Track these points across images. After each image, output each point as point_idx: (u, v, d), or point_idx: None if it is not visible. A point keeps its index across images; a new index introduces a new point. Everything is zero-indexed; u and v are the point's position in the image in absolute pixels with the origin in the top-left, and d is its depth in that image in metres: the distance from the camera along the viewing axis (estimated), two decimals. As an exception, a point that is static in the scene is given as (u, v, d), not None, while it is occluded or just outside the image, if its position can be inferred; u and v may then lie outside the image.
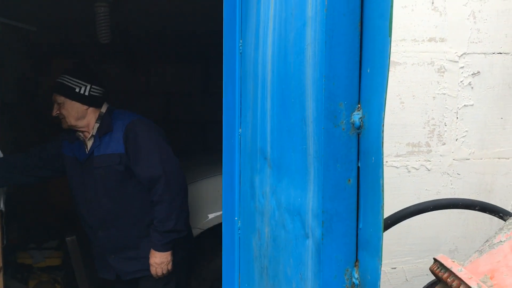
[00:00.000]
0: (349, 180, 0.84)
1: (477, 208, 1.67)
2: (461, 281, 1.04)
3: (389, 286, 2.25)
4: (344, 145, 0.84)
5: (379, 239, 0.75)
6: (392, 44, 2.14)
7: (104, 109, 2.53)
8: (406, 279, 2.26)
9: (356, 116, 0.83)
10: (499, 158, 2.30)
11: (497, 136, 2.28)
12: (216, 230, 2.98)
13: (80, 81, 2.46)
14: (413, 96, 2.19)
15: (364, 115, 0.82)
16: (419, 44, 2.18)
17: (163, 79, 5.87)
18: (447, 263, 1.13)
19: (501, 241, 1.13)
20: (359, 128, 0.83)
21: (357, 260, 0.84)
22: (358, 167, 0.84)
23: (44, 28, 3.70)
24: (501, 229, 1.22)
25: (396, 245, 2.24)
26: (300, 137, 1.11)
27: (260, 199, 1.47)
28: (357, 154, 0.84)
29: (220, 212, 3.00)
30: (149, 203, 2.44)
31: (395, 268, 2.25)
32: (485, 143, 2.28)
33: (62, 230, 4.09)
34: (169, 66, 5.77)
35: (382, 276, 2.26)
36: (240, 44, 1.77)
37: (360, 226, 0.83)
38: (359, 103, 0.83)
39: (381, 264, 0.75)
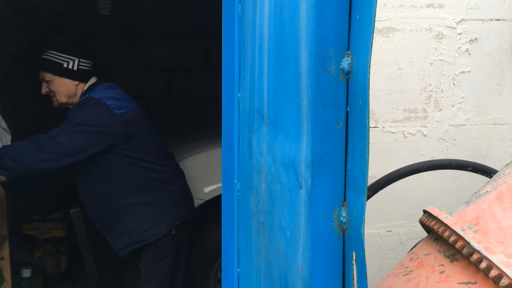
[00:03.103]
0: (338, 124, 0.88)
1: (469, 168, 1.72)
2: (446, 227, 1.09)
3: (384, 248, 2.31)
4: (333, 90, 0.88)
5: (365, 177, 0.79)
6: (391, 10, 2.17)
7: (87, 85, 2.42)
8: (401, 242, 2.32)
9: (345, 62, 0.86)
10: (494, 124, 2.33)
11: (493, 102, 2.31)
12: (215, 202, 3.01)
13: (67, 56, 2.36)
14: (411, 62, 2.21)
15: (353, 61, 0.85)
16: (417, 10, 2.20)
17: (165, 55, 5.87)
18: (435, 212, 1.17)
19: (487, 191, 1.17)
20: (348, 73, 0.86)
21: (345, 200, 0.89)
22: (347, 112, 0.88)
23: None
24: (488, 182, 1.26)
25: (392, 209, 2.29)
26: (294, 91, 1.14)
27: (257, 157, 1.51)
28: (346, 99, 0.88)
29: (216, 185, 3.07)
30: (120, 180, 2.40)
31: (390, 231, 2.31)
32: (481, 109, 2.31)
33: (66, 202, 4.16)
34: (171, 42, 5.76)
35: (377, 239, 2.33)
36: (239, 9, 1.79)
37: (348, 167, 0.87)
38: (348, 49, 0.87)
39: (366, 201, 0.79)
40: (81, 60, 2.38)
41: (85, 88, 2.42)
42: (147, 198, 2.46)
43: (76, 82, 2.39)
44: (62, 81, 2.37)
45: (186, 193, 2.71)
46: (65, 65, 2.35)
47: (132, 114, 2.40)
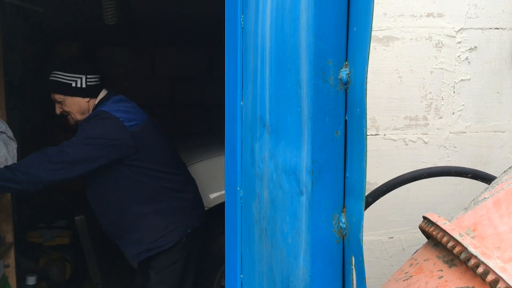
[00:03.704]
0: (337, 132, 0.91)
1: (469, 175, 1.74)
2: (445, 232, 1.11)
3: (386, 255, 2.33)
4: (332, 100, 0.90)
5: (363, 184, 0.82)
6: (391, 19, 2.21)
7: (98, 99, 2.45)
8: (403, 248, 2.33)
9: (344, 73, 0.89)
10: (495, 132, 2.35)
11: (493, 110, 2.34)
12: (220, 208, 3.03)
13: (74, 75, 2.39)
14: (411, 70, 2.24)
15: (351, 71, 0.88)
16: (417, 20, 2.23)
17: (168, 64, 5.92)
18: (434, 218, 1.19)
19: (485, 197, 1.19)
20: (346, 83, 0.89)
21: (344, 206, 0.91)
22: (346, 120, 0.91)
23: (51, 9, 3.76)
24: (486, 188, 1.28)
25: (393, 215, 2.31)
26: (295, 100, 1.17)
27: (260, 164, 1.53)
28: (344, 108, 0.91)
29: (221, 192, 3.09)
30: (131, 189, 2.44)
31: (392, 237, 2.32)
32: (481, 116, 2.34)
33: (71, 209, 4.19)
34: (174, 50, 5.82)
35: (379, 245, 2.34)
36: (241, 19, 1.83)
37: (347, 174, 0.90)
38: (346, 60, 0.90)
39: (364, 206, 0.82)
40: (88, 76, 2.41)
41: (96, 102, 2.46)
42: (158, 207, 2.49)
43: (87, 99, 2.43)
44: (74, 100, 2.41)
45: (197, 201, 2.74)
46: (73, 84, 2.38)
47: (142, 126, 2.43)
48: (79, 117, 2.45)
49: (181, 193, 2.58)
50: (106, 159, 2.31)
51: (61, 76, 2.39)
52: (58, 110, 2.46)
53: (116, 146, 2.32)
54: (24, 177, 2.21)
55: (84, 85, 2.39)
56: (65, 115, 2.48)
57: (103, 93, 2.48)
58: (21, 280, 3.39)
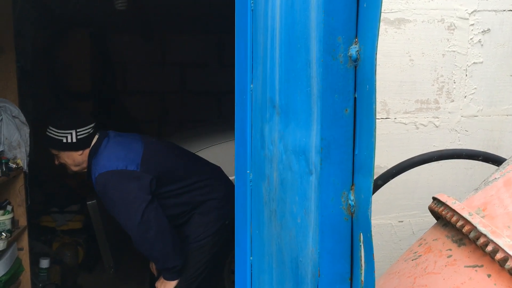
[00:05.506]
0: (346, 110, 0.91)
1: (480, 158, 1.72)
2: (454, 212, 1.11)
3: (395, 238, 2.33)
4: (342, 77, 0.90)
5: (372, 160, 0.82)
6: (403, 1, 2.18)
7: (91, 146, 2.45)
8: (413, 232, 2.33)
9: (353, 50, 0.89)
10: (507, 115, 2.33)
11: (506, 93, 2.31)
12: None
13: (63, 131, 2.41)
14: (423, 53, 2.22)
15: (360, 48, 0.87)
16: (429, 2, 2.20)
17: (179, 50, 5.92)
18: (443, 198, 1.19)
19: (495, 178, 1.18)
20: (356, 60, 0.89)
21: (353, 184, 0.91)
22: (355, 98, 0.90)
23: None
24: (497, 169, 1.27)
25: (404, 199, 2.30)
26: (305, 80, 1.17)
27: (269, 146, 1.53)
28: (354, 85, 0.90)
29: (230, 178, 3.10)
30: (168, 216, 2.47)
31: (402, 221, 2.32)
32: (494, 100, 2.31)
33: (83, 194, 4.24)
34: (185, 37, 5.81)
35: (389, 229, 2.35)
36: (252, 2, 1.82)
37: (356, 152, 0.90)
38: (356, 37, 0.89)
39: (373, 183, 0.82)
40: (78, 130, 2.42)
41: (90, 149, 2.45)
42: (195, 215, 2.55)
43: (79, 152, 2.43)
44: (67, 154, 2.44)
45: (230, 190, 2.73)
46: (64, 140, 2.41)
47: (143, 157, 2.42)
48: (74, 168, 2.48)
49: (214, 194, 2.60)
50: (150, 196, 2.36)
51: (53, 132, 2.43)
52: (56, 162, 2.52)
53: (145, 187, 2.35)
54: (171, 255, 2.36)
55: (74, 140, 2.40)
56: (63, 165, 2.53)
57: (95, 139, 2.47)
58: (34, 263, 3.45)
